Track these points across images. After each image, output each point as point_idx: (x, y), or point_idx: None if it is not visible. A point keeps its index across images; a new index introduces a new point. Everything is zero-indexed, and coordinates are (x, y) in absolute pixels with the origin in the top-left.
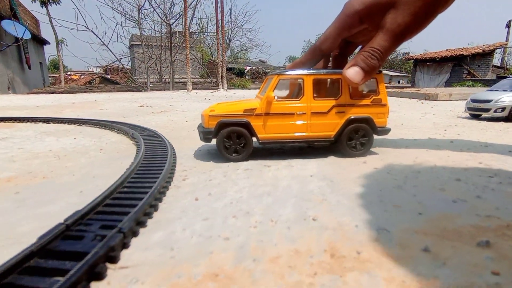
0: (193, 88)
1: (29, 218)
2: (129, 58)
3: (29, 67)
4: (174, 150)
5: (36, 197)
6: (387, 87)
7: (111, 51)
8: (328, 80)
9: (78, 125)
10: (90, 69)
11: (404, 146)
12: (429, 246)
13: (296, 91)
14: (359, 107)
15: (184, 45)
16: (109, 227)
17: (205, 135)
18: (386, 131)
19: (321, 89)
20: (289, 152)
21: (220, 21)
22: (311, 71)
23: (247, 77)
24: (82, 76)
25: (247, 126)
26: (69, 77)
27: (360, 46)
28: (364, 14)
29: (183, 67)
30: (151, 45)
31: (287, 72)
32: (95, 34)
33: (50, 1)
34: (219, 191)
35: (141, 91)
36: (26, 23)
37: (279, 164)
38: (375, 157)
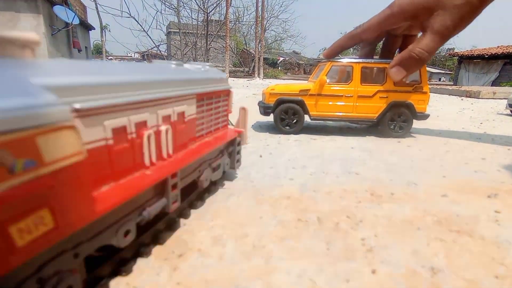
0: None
1: None
2: (166, 45)
3: (79, 51)
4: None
5: None
6: None
7: (150, 37)
8: (375, 68)
9: None
10: (128, 54)
11: (437, 134)
12: (448, 194)
13: (345, 76)
14: (401, 93)
15: (219, 33)
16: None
17: (265, 109)
18: (425, 116)
19: (367, 76)
20: (332, 130)
21: (260, 11)
22: (359, 60)
23: (279, 68)
24: (121, 61)
25: (301, 103)
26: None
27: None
28: (411, 13)
29: (217, 55)
30: (187, 32)
31: (339, 60)
32: (136, 20)
33: None
34: (278, 152)
35: None
36: (75, 9)
37: (324, 138)
38: (409, 139)
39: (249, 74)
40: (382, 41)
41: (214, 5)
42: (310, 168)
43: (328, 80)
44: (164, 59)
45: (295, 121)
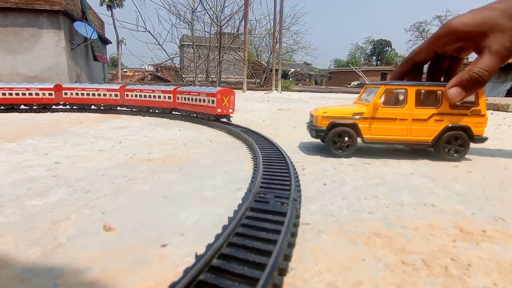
0: (239, 88)
1: (204, 188)
2: (180, 57)
3: (107, 63)
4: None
5: (196, 173)
6: None
7: (165, 50)
8: (429, 91)
9: (170, 119)
10: (143, 67)
11: (489, 155)
12: None
13: (399, 99)
14: (458, 116)
15: (232, 46)
16: (281, 197)
17: (318, 132)
18: (483, 139)
19: (422, 99)
20: (381, 152)
21: (277, 25)
22: (414, 83)
23: (290, 79)
24: (136, 74)
25: (354, 127)
26: (125, 73)
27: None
28: (463, 34)
29: (229, 67)
30: (200, 45)
31: (393, 83)
32: (152, 35)
33: (114, 5)
34: (339, 179)
35: None
36: (94, 24)
37: (376, 162)
38: (465, 163)
39: (261, 86)
40: (428, 63)
41: (228, 18)
42: (382, 199)
43: (382, 104)
44: (178, 71)
45: (347, 144)
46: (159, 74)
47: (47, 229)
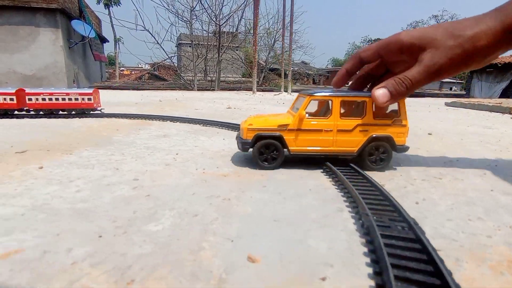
0: (240, 88)
1: (305, 209)
2: (178, 56)
3: (105, 62)
4: None
5: (283, 192)
6: (438, 94)
7: (163, 49)
8: (354, 101)
9: (205, 126)
10: (139, 65)
11: None
12: None
13: (324, 109)
14: (381, 127)
15: (231, 45)
16: (395, 220)
17: (244, 145)
18: (404, 149)
19: (347, 109)
20: (442, 163)
21: (288, 24)
22: (338, 93)
23: (289, 78)
24: (133, 72)
25: (280, 139)
26: (121, 72)
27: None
28: (407, 46)
29: (227, 67)
30: (199, 44)
31: (317, 93)
32: (150, 33)
33: (112, 3)
34: (427, 198)
35: (189, 89)
36: (92, 23)
37: (446, 176)
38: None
39: (260, 85)
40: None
41: (227, 17)
42: (487, 221)
43: (307, 115)
44: (177, 70)
45: (272, 157)
46: (156, 72)
47: (193, 260)
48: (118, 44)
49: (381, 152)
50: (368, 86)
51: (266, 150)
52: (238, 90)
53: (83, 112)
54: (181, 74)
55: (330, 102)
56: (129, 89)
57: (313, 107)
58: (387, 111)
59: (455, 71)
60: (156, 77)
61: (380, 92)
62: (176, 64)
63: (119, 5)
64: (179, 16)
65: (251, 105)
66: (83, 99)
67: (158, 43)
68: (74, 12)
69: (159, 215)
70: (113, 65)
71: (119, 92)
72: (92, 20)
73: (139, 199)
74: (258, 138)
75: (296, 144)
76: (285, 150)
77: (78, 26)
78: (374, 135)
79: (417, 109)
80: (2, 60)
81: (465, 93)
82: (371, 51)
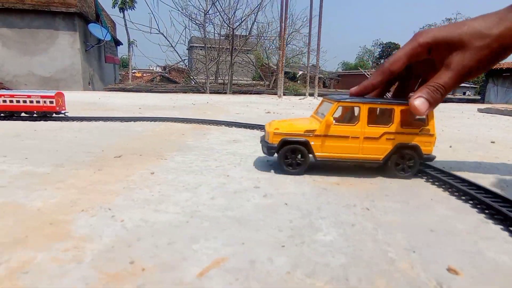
0: (252, 92)
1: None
2: (189, 59)
3: (118, 64)
4: None
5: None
6: (451, 99)
7: (177, 52)
8: (382, 109)
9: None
10: (150, 68)
11: None
12: None
13: (352, 116)
14: (408, 135)
15: (243, 48)
16: None
17: (269, 149)
18: (431, 158)
19: (374, 116)
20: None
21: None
22: (367, 100)
23: (298, 82)
24: (144, 74)
25: (306, 144)
26: (133, 74)
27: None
28: (433, 46)
29: (237, 70)
30: (211, 47)
31: (345, 99)
32: (165, 36)
33: (127, 7)
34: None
35: (201, 91)
36: (108, 26)
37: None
38: None
39: (271, 88)
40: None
41: (240, 20)
42: None
43: (334, 121)
44: (190, 73)
45: (297, 162)
46: (167, 75)
47: (398, 272)
48: (132, 46)
49: (407, 159)
50: (389, 92)
51: (291, 155)
52: (250, 93)
53: (45, 115)
54: (194, 77)
55: (357, 109)
56: (142, 91)
57: (336, 113)
58: (416, 121)
59: (483, 71)
60: (168, 80)
61: (419, 102)
62: (188, 67)
63: (134, 9)
64: (192, 19)
65: (285, 110)
66: (44, 101)
67: (172, 46)
68: (91, 16)
69: (318, 225)
70: (125, 67)
71: (145, 95)
72: (108, 23)
73: (281, 207)
74: (284, 142)
75: (322, 150)
76: (310, 155)
77: (95, 29)
78: (400, 144)
79: (453, 115)
80: (22, 63)
81: (479, 97)
82: (401, 63)
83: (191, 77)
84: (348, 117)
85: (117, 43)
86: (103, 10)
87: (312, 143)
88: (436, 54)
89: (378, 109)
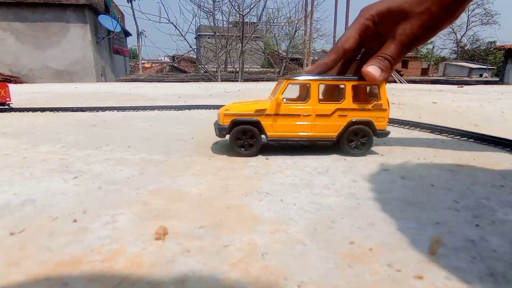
0: (263, 79)
1: None
2: (198, 47)
3: (127, 56)
4: None
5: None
6: (467, 82)
7: (187, 41)
8: (333, 85)
9: None
10: (159, 58)
11: None
12: None
13: (305, 94)
14: (361, 111)
15: (253, 36)
16: None
17: (220, 131)
18: (385, 134)
19: (326, 93)
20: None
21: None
22: (317, 77)
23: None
24: (153, 65)
25: (257, 124)
26: (143, 65)
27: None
28: (378, 19)
29: (247, 58)
30: (221, 35)
31: (295, 77)
32: (175, 26)
33: None
34: None
35: (212, 80)
36: (118, 17)
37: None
38: None
39: (282, 75)
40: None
41: (250, 7)
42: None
43: (284, 99)
44: (200, 62)
45: (249, 143)
46: (176, 65)
47: None
48: (141, 37)
49: (361, 136)
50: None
51: (243, 136)
52: (261, 81)
53: None
54: (204, 66)
55: (308, 86)
56: (153, 82)
57: (295, 92)
58: (368, 96)
59: (429, 36)
60: (177, 69)
61: (371, 68)
62: (197, 56)
63: None
64: (201, 7)
65: None
66: None
67: (182, 35)
68: (100, 7)
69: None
70: (135, 58)
71: (165, 84)
72: (117, 14)
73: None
74: (235, 123)
75: (273, 130)
76: (263, 136)
77: (105, 20)
78: (353, 120)
79: (499, 97)
80: (36, 56)
81: (498, 79)
82: (352, 40)
83: (202, 66)
84: (304, 96)
85: (127, 34)
86: (112, 1)
87: (263, 123)
88: (382, 27)
89: (329, 85)
